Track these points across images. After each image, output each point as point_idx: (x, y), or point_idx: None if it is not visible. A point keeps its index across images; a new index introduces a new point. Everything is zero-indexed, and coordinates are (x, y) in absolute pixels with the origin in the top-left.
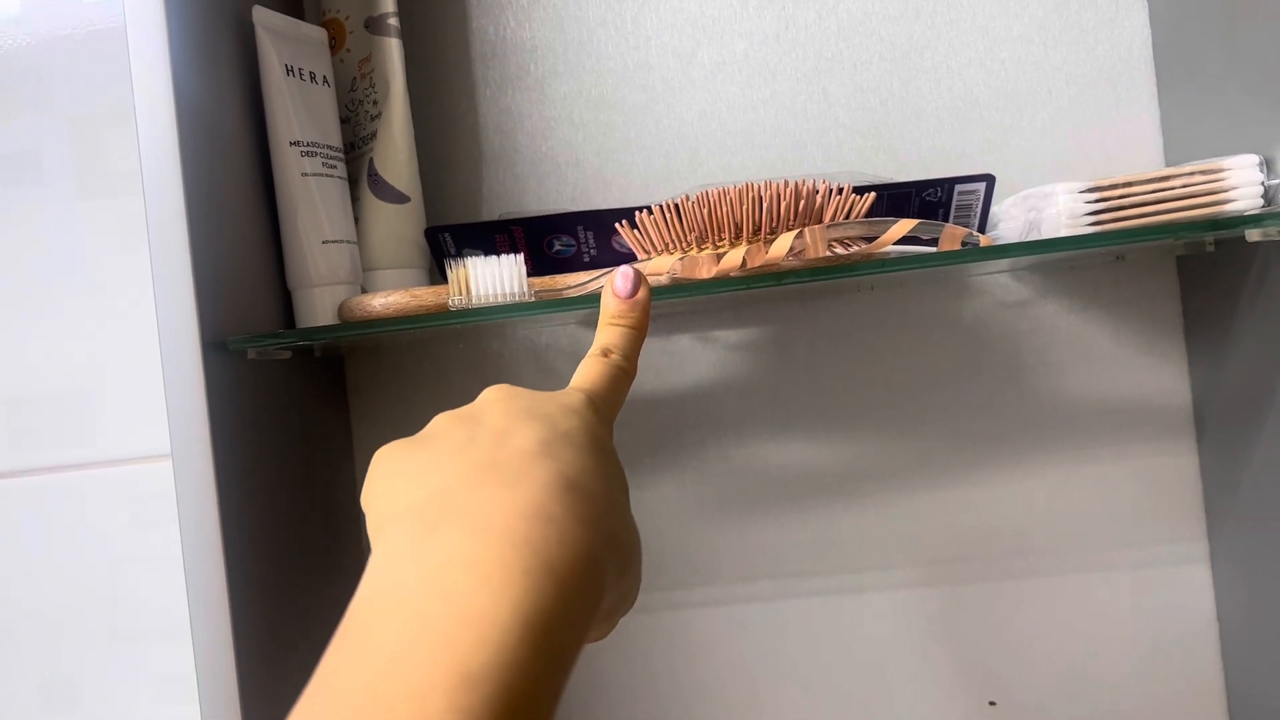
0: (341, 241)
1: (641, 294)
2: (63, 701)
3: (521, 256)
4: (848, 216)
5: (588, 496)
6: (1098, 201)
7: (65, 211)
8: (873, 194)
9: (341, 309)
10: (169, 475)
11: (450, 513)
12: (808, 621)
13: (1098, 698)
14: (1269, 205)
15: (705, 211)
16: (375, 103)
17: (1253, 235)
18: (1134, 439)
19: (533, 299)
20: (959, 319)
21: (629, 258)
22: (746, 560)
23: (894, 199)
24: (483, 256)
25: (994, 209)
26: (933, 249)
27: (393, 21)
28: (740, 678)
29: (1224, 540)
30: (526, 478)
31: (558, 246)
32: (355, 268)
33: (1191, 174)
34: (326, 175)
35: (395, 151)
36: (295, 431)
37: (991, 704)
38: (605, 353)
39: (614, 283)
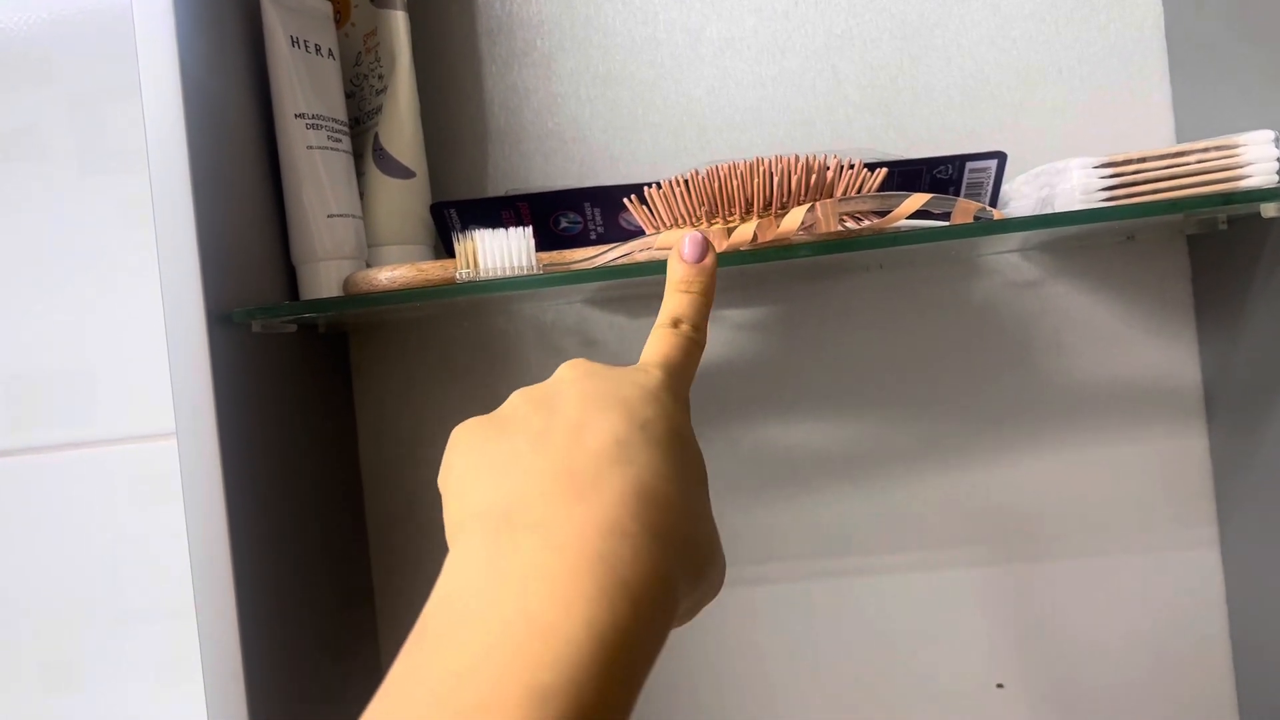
0: (347, 215)
1: (709, 259)
2: (63, 682)
3: (530, 230)
4: (859, 192)
5: (663, 506)
6: (1112, 177)
7: (66, 188)
8: (884, 169)
9: (347, 283)
10: (172, 454)
11: (527, 523)
12: (816, 603)
13: (1106, 679)
14: None
15: (715, 186)
16: (381, 77)
17: (1268, 210)
18: (1144, 421)
19: (541, 271)
20: (969, 299)
21: (637, 235)
22: (755, 542)
23: (905, 176)
24: (491, 230)
25: (1005, 187)
26: (945, 223)
27: None
28: (749, 658)
29: (1233, 523)
30: (603, 487)
31: (564, 223)
32: (360, 243)
33: (1206, 150)
34: (332, 148)
35: (401, 126)
36: (299, 408)
37: (999, 686)
38: (675, 323)
39: (682, 248)
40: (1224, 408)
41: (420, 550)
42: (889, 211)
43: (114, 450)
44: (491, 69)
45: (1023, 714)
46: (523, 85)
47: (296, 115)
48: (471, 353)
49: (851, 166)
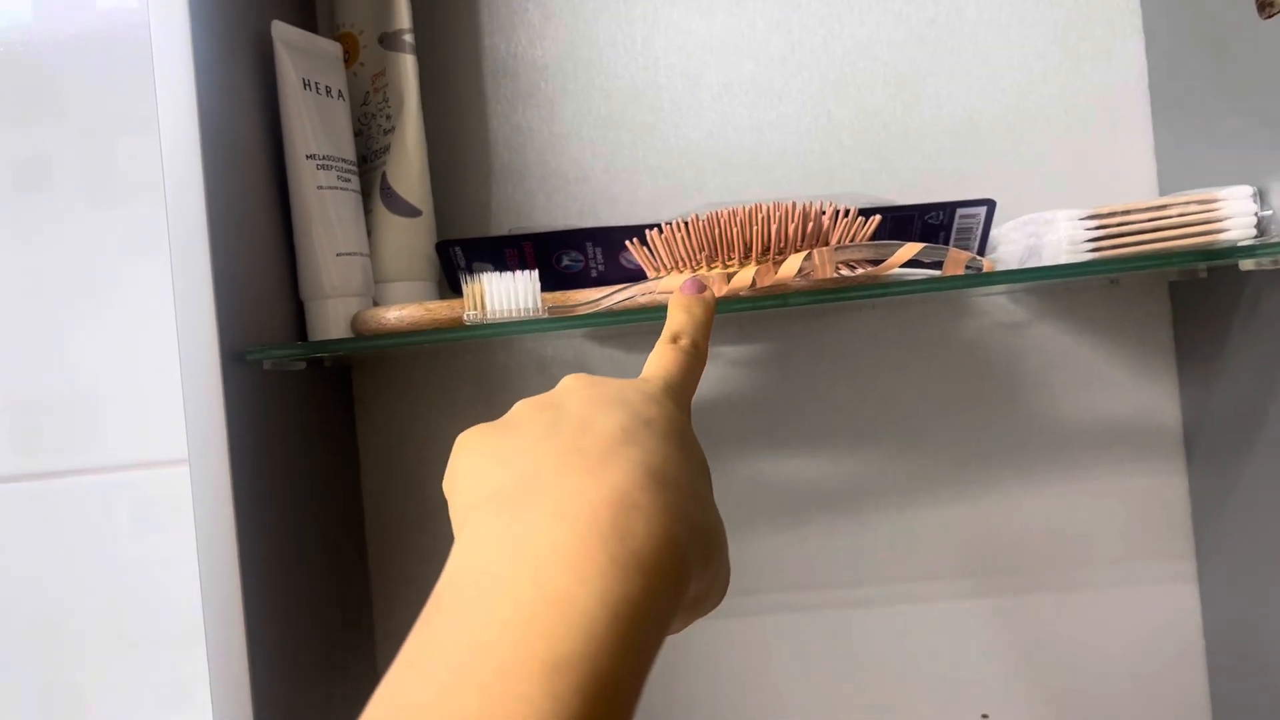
0: (355, 254)
1: (708, 293)
2: (69, 708)
3: (536, 273)
4: (853, 239)
5: (672, 485)
6: (1097, 229)
7: (76, 218)
8: (878, 217)
9: (355, 321)
10: (177, 481)
11: (538, 498)
12: (807, 634)
13: (1087, 712)
14: (1262, 235)
15: (715, 231)
16: (389, 117)
17: (1246, 265)
18: (1126, 459)
19: (546, 315)
20: (958, 338)
21: (636, 274)
22: (748, 573)
23: (897, 221)
24: (498, 273)
25: (994, 232)
26: (937, 272)
27: (407, 38)
28: (739, 689)
29: (1211, 559)
30: (612, 464)
31: (566, 261)
32: (367, 280)
33: (1188, 203)
34: (341, 188)
35: (408, 166)
36: (304, 437)
37: (984, 717)
38: (675, 338)
39: (682, 286)
40: (1203, 448)
41: (419, 576)
42: (883, 260)
43: (120, 476)
44: (497, 109)
45: None
46: (527, 126)
47: (308, 156)
48: (473, 384)
49: (846, 214)
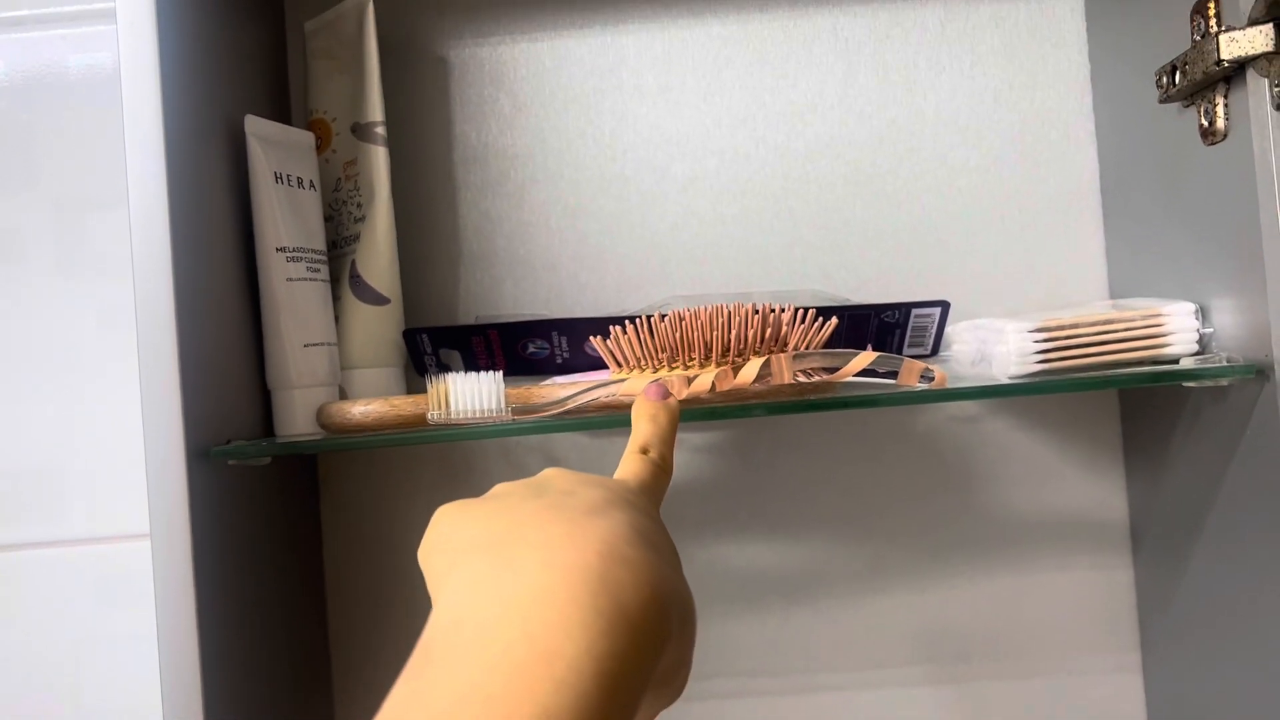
0: (322, 344)
1: (672, 399)
2: None
3: (500, 374)
4: (811, 343)
5: (655, 547)
6: (1046, 341)
7: (45, 291)
8: (834, 320)
9: (321, 414)
10: (137, 556)
11: (525, 547)
12: (760, 719)
13: None
14: (1203, 351)
15: (677, 334)
16: (360, 205)
17: (1189, 383)
18: (1074, 551)
19: (510, 418)
20: (912, 431)
21: (600, 361)
22: (704, 658)
23: (854, 319)
24: (463, 373)
25: (948, 329)
26: (892, 382)
27: (380, 130)
28: None
29: (1156, 652)
30: (599, 519)
31: (532, 349)
32: (334, 369)
33: (1133, 318)
34: (310, 279)
35: (378, 256)
36: (268, 521)
37: None
38: (644, 450)
39: (645, 391)
40: (1148, 544)
41: (381, 656)
42: (840, 368)
43: (81, 550)
44: (466, 197)
45: None
46: (496, 213)
47: (278, 249)
48: (437, 468)
49: (804, 320)
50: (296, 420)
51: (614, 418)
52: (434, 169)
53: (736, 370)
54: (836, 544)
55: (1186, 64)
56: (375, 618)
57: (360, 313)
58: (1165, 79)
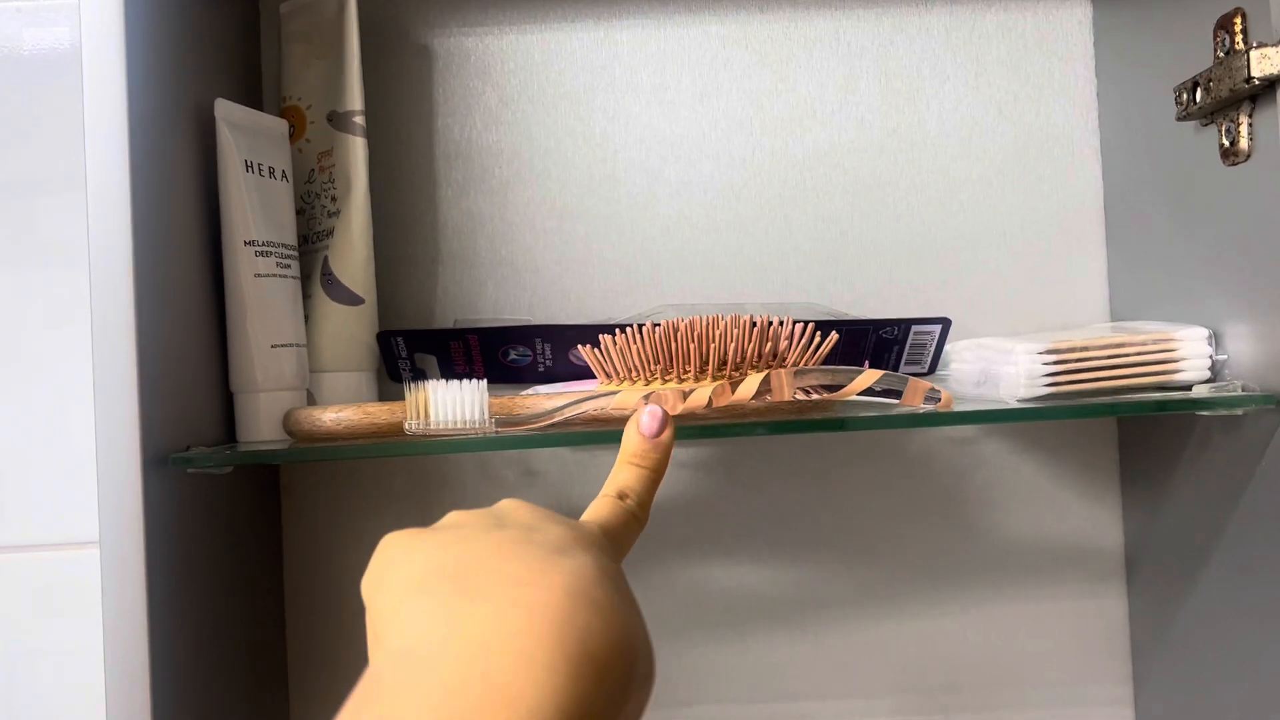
0: (290, 345)
1: (666, 435)
2: None
3: (484, 383)
4: (810, 359)
5: (621, 591)
6: (1055, 364)
7: None
8: (835, 335)
9: (288, 420)
10: (85, 563)
11: (487, 580)
12: None
13: None
14: (1216, 379)
15: (670, 344)
16: (334, 199)
17: (1203, 411)
18: (1068, 579)
19: (494, 430)
20: (905, 451)
21: (586, 371)
22: (685, 684)
23: (852, 334)
24: (444, 381)
25: (946, 348)
26: (896, 401)
27: (359, 120)
28: None
29: (1148, 683)
30: (566, 558)
31: (513, 355)
32: (303, 372)
33: (1144, 342)
34: (280, 275)
35: (353, 253)
36: (228, 529)
37: None
38: (621, 496)
39: (640, 419)
40: (1144, 574)
41: (338, 669)
42: (842, 386)
43: (26, 556)
44: (447, 194)
45: None
46: (478, 212)
47: (246, 243)
48: (406, 477)
49: (803, 335)
50: (261, 425)
51: (602, 433)
52: (414, 163)
53: (735, 385)
54: (825, 568)
55: (1210, 80)
56: (336, 634)
57: (332, 313)
58: (1185, 95)
